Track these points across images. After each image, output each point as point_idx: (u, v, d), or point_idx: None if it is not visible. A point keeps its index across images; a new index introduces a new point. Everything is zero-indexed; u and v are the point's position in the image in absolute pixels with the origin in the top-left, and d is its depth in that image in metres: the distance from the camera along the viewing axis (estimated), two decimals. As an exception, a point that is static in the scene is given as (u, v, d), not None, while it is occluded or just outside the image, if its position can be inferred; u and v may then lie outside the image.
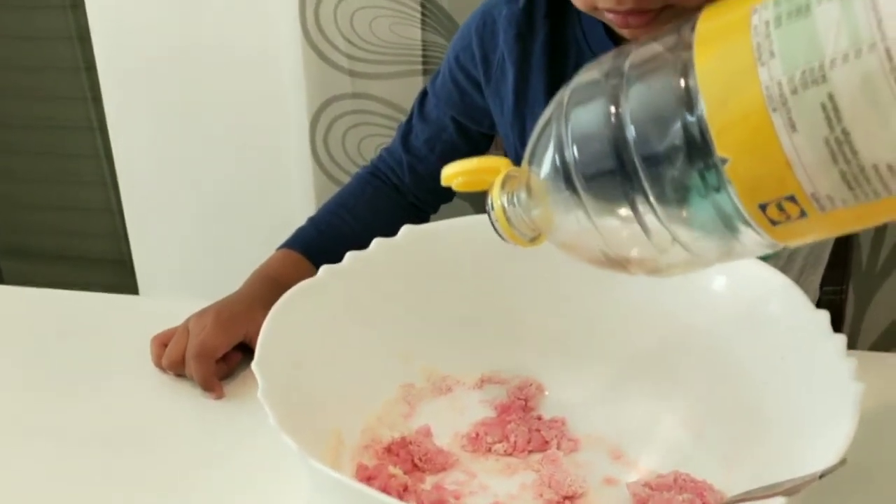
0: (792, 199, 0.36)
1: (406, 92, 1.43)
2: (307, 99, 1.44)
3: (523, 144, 0.83)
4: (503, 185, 0.49)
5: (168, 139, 1.60)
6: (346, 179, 1.49)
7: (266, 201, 1.58)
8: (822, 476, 0.40)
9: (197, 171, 1.60)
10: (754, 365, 0.59)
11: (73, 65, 1.79)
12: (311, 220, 0.91)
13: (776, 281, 0.59)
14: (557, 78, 0.79)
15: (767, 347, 0.58)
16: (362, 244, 0.65)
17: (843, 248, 1.07)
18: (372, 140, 1.48)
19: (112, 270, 1.93)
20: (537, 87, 0.81)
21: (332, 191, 1.49)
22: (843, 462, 0.41)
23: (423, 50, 1.40)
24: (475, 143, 0.93)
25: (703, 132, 0.37)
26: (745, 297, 0.61)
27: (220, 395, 0.71)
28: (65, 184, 1.95)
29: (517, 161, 0.85)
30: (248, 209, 1.60)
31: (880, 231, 1.40)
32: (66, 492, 0.62)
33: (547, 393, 0.68)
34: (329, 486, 0.44)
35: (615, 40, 0.76)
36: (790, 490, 0.40)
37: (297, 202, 1.53)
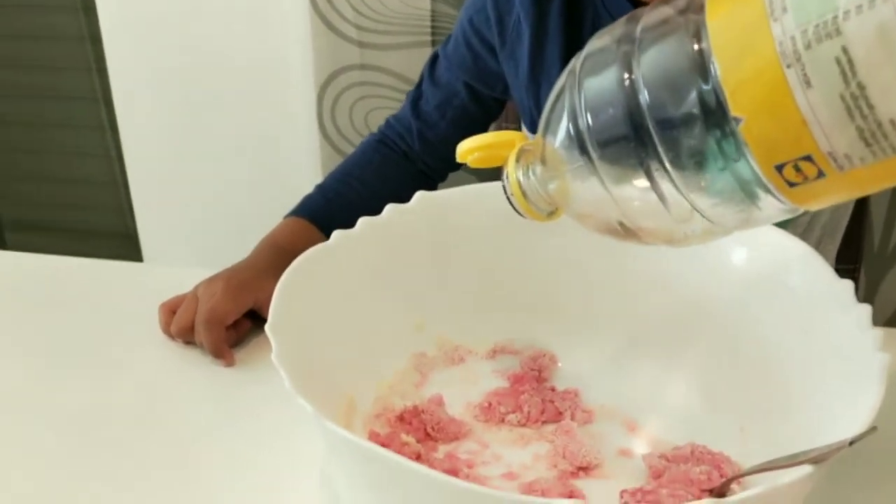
0: (809, 158, 0.35)
1: (415, 63, 1.41)
2: (314, 70, 1.43)
3: (539, 108, 0.82)
4: (518, 159, 0.48)
5: (173, 111, 1.58)
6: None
7: (272, 173, 1.57)
8: (852, 443, 0.39)
9: (202, 143, 1.59)
10: (774, 335, 0.58)
11: (78, 34, 1.78)
12: (319, 188, 0.90)
13: (798, 250, 0.58)
14: (574, 40, 0.78)
15: (788, 317, 0.57)
16: (370, 212, 0.63)
17: (858, 225, 1.06)
18: (379, 112, 1.46)
19: (118, 243, 1.92)
20: (553, 49, 0.79)
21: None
22: (873, 429, 0.40)
23: (433, 20, 1.39)
24: (487, 108, 0.92)
25: (718, 93, 0.36)
26: (766, 266, 0.60)
27: (230, 363, 0.70)
28: (70, 156, 1.94)
29: (533, 125, 0.84)
30: (254, 181, 1.58)
31: (892, 212, 1.39)
32: (74, 461, 0.62)
33: (560, 364, 0.67)
34: (344, 448, 0.43)
35: (632, 1, 0.75)
36: (819, 458, 0.39)
37: (304, 174, 1.52)
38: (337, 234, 0.60)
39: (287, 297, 0.53)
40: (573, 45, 0.78)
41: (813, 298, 0.56)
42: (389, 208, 0.63)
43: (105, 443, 0.63)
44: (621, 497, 0.54)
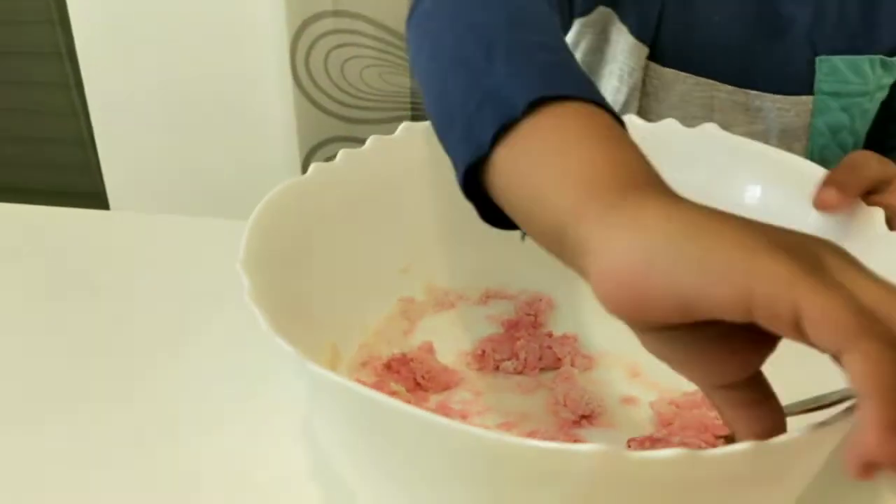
0: None
1: (392, 8, 1.35)
2: (287, 18, 1.37)
3: None
4: None
5: (139, 65, 1.51)
6: (329, 103, 1.45)
7: (245, 126, 1.50)
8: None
9: (172, 97, 1.52)
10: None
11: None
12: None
13: (816, 175, 0.53)
14: None
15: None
16: None
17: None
18: (356, 62, 1.41)
19: (85, 203, 1.85)
20: None
21: (314, 115, 1.44)
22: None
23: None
24: None
25: None
26: (782, 203, 0.56)
27: None
28: (33, 114, 1.86)
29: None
30: (226, 135, 1.52)
31: None
32: (35, 402, 0.57)
33: (557, 308, 0.63)
34: (331, 394, 0.38)
35: None
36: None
37: (277, 126, 1.46)
38: (314, 167, 0.54)
39: (260, 232, 0.47)
40: None
41: (835, 228, 0.51)
42: (372, 139, 0.58)
43: (74, 391, 0.58)
44: (629, 446, 0.49)
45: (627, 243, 0.32)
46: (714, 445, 0.43)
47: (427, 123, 0.60)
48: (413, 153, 0.59)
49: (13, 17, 1.76)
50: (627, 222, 0.33)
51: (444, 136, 0.46)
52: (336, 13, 1.38)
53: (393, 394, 0.52)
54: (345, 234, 0.56)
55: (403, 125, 0.59)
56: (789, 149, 0.62)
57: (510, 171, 0.39)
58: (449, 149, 0.45)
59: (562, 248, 0.36)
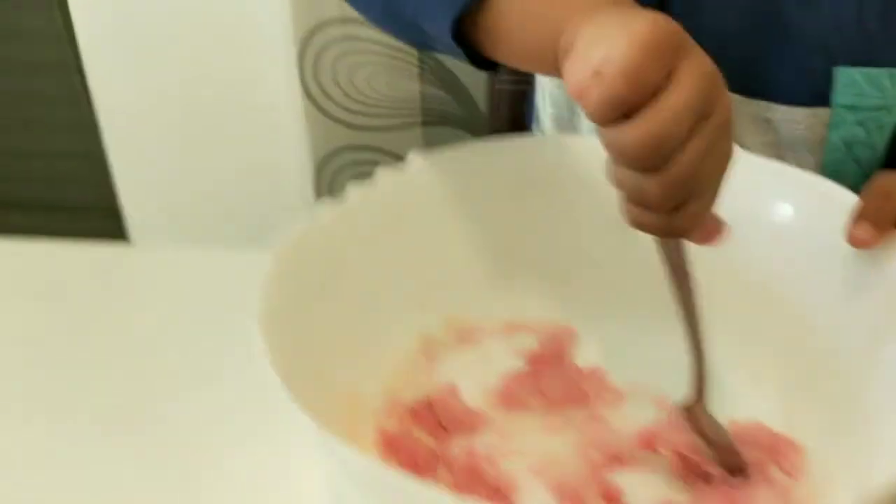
0: None
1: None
2: (294, 27, 1.36)
3: None
4: None
5: (148, 75, 1.50)
6: (339, 112, 1.44)
7: (256, 136, 1.49)
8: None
9: (180, 108, 1.51)
10: (816, 297, 0.52)
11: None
12: None
13: (849, 201, 0.51)
14: None
15: (834, 277, 0.51)
16: None
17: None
18: (366, 69, 1.40)
19: (100, 218, 1.84)
20: None
21: (324, 124, 1.43)
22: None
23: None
24: None
25: None
26: (809, 223, 0.54)
27: None
28: (43, 128, 1.86)
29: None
30: (237, 145, 1.51)
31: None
32: (59, 450, 0.57)
33: (580, 339, 0.61)
34: (358, 472, 0.37)
35: None
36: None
37: (286, 134, 1.45)
38: (326, 207, 0.53)
39: (276, 285, 0.46)
40: None
41: (866, 258, 0.50)
42: (381, 172, 0.56)
43: (91, 436, 0.58)
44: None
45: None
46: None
47: (438, 154, 0.58)
48: (427, 186, 0.57)
49: (17, 32, 1.75)
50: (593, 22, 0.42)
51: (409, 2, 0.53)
52: (343, 21, 1.36)
53: (416, 440, 0.50)
54: (360, 275, 0.55)
55: (412, 155, 0.57)
56: (801, 161, 0.61)
57: (508, 7, 0.48)
58: (416, 14, 0.52)
59: (554, 56, 0.43)
